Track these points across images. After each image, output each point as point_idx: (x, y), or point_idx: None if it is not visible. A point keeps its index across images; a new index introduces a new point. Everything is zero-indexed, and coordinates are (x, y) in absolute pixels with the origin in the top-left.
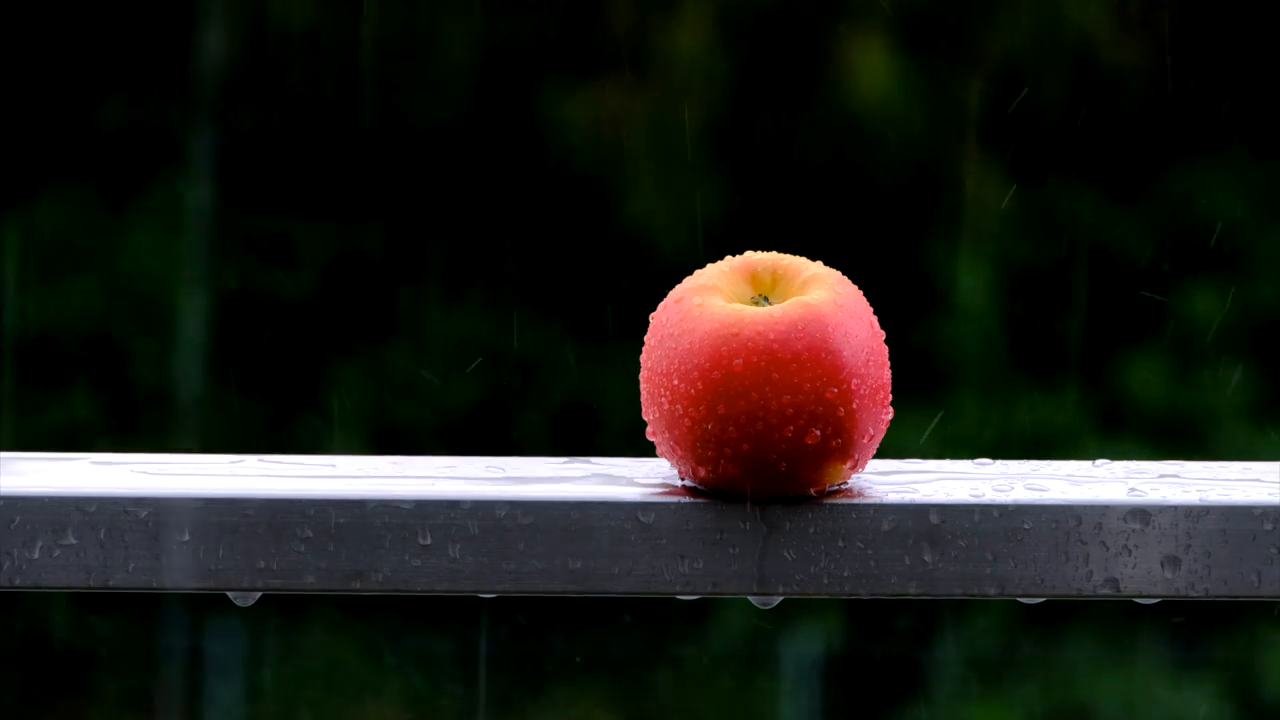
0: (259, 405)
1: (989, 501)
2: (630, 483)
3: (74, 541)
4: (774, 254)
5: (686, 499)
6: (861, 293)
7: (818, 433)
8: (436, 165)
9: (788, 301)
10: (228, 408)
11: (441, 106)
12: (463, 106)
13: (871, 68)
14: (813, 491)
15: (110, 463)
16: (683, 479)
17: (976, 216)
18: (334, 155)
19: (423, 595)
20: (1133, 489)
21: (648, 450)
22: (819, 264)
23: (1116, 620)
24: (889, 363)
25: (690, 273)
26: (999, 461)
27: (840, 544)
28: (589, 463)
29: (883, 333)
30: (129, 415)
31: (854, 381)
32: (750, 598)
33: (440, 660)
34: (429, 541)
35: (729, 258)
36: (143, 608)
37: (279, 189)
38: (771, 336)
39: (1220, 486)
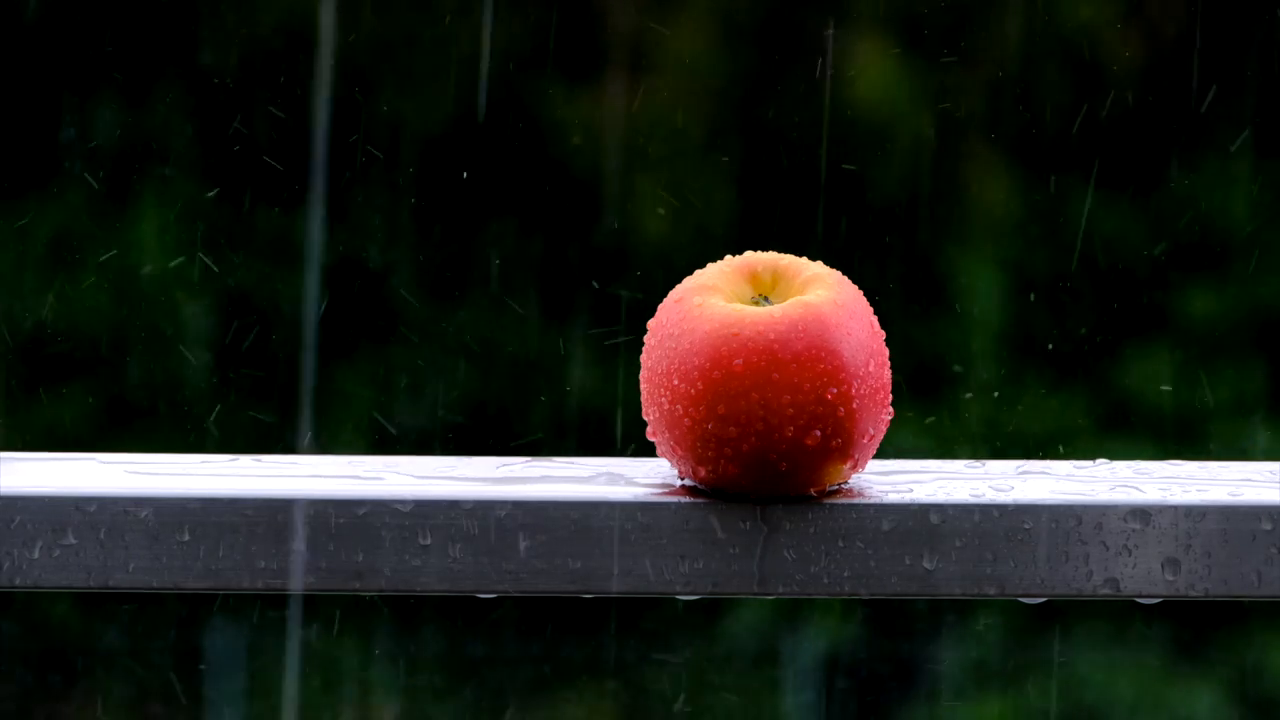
0: (260, 405)
1: (989, 501)
2: (630, 483)
3: (74, 541)
4: (774, 254)
5: (686, 499)
6: (861, 293)
7: (818, 433)
8: (436, 165)
9: (788, 301)
10: (228, 408)
11: (441, 106)
12: (462, 107)
13: (873, 67)
14: (813, 491)
15: (110, 463)
16: (683, 479)
17: (978, 216)
18: (335, 155)
19: (423, 595)
20: (1133, 489)
21: (648, 450)
22: (819, 264)
23: (1118, 620)
24: (889, 363)
25: (690, 273)
26: (998, 461)
27: (840, 544)
28: (589, 462)
29: (883, 333)
30: (129, 415)
31: (854, 382)
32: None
33: (439, 660)
34: (429, 541)
35: (729, 257)
36: (143, 608)
37: (280, 189)
38: (772, 336)
39: (1220, 486)
